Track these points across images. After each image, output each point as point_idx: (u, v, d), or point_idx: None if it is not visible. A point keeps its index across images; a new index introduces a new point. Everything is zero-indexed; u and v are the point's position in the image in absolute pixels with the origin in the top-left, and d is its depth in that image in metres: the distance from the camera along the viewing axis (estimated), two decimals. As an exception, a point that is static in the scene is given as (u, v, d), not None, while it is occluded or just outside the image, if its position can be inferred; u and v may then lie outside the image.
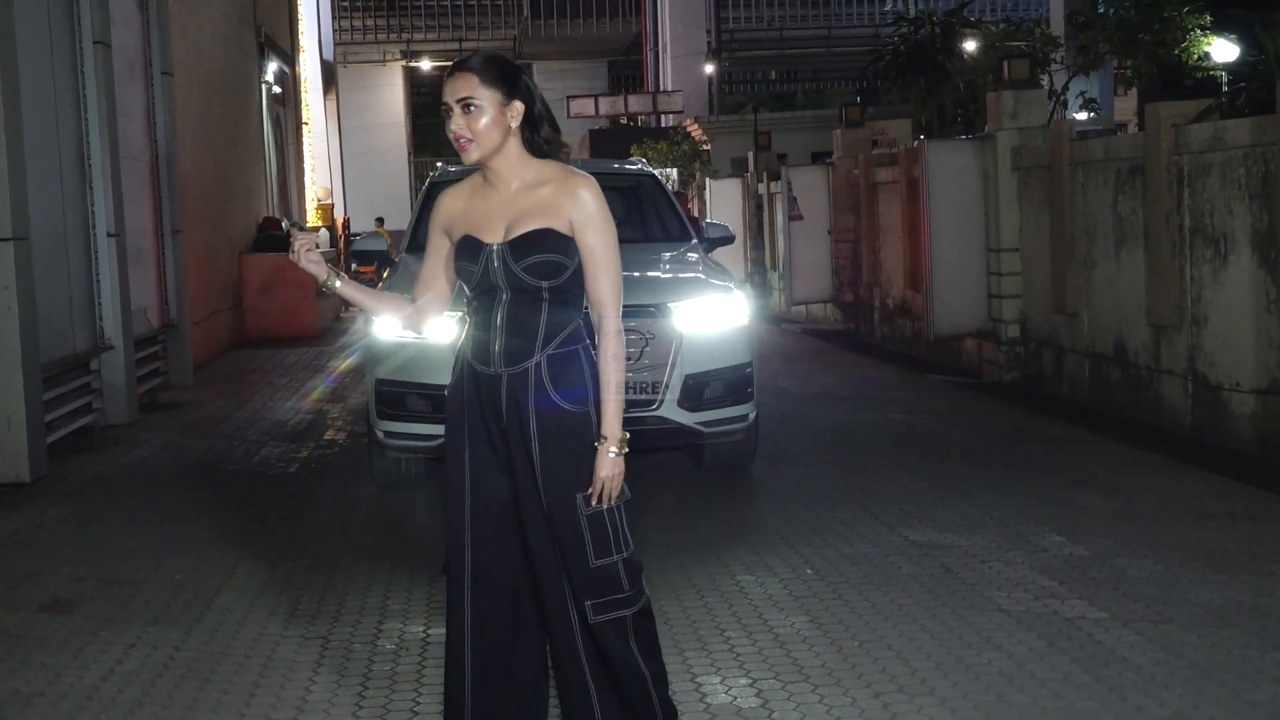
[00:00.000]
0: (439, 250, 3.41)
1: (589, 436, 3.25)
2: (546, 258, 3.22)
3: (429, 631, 4.91)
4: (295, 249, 3.34)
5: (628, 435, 3.27)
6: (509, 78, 3.25)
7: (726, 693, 4.23)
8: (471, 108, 3.21)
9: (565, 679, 3.37)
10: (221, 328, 14.61)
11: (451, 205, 3.38)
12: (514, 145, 3.27)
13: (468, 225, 3.31)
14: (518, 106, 3.25)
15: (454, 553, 3.36)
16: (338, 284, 3.40)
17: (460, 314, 3.48)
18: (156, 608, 5.31)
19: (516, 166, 3.29)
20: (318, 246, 3.42)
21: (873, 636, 4.72)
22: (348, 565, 5.84)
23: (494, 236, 3.26)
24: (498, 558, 3.34)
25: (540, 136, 3.29)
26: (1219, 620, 4.75)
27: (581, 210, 3.23)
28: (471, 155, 3.25)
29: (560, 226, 3.23)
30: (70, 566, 5.93)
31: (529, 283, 3.22)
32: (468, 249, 3.28)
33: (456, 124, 3.23)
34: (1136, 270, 8.84)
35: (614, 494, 3.24)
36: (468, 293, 3.33)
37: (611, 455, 3.23)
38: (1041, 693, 4.14)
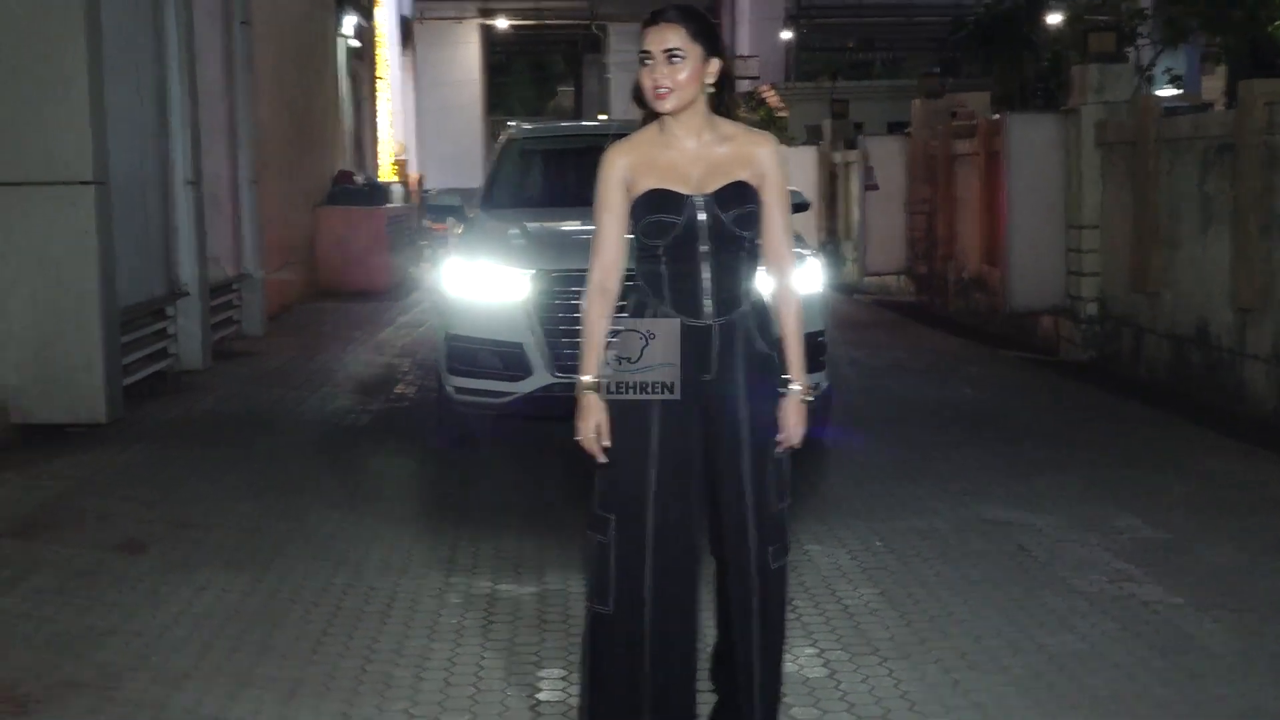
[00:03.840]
0: (619, 211, 3.35)
1: (779, 382, 3.35)
2: (750, 208, 3.30)
3: (495, 587, 4.92)
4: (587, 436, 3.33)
5: (811, 384, 3.41)
6: (712, 35, 3.31)
7: (793, 662, 4.19)
8: (676, 58, 3.24)
9: (735, 628, 3.36)
10: (296, 279, 14.71)
11: (628, 161, 3.34)
12: (702, 101, 3.31)
13: (656, 179, 3.30)
14: (715, 64, 3.31)
15: (628, 512, 3.30)
16: (596, 382, 3.33)
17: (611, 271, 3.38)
18: (227, 552, 5.36)
19: (701, 122, 3.32)
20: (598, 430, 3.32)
21: (942, 611, 4.66)
22: (414, 519, 5.87)
23: (689, 188, 3.28)
24: (680, 519, 3.32)
25: (725, 97, 3.35)
26: (1301, 611, 4.65)
27: (770, 165, 3.33)
28: (668, 105, 3.26)
29: (752, 180, 3.31)
30: (143, 509, 6.00)
31: (734, 233, 3.28)
32: (664, 201, 3.28)
33: (660, 72, 3.25)
34: (1222, 252, 8.63)
35: (798, 442, 3.35)
36: (656, 246, 3.29)
37: (801, 403, 3.34)
38: (1117, 675, 4.07)
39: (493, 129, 37.77)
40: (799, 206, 8.50)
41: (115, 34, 8.18)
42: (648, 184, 3.30)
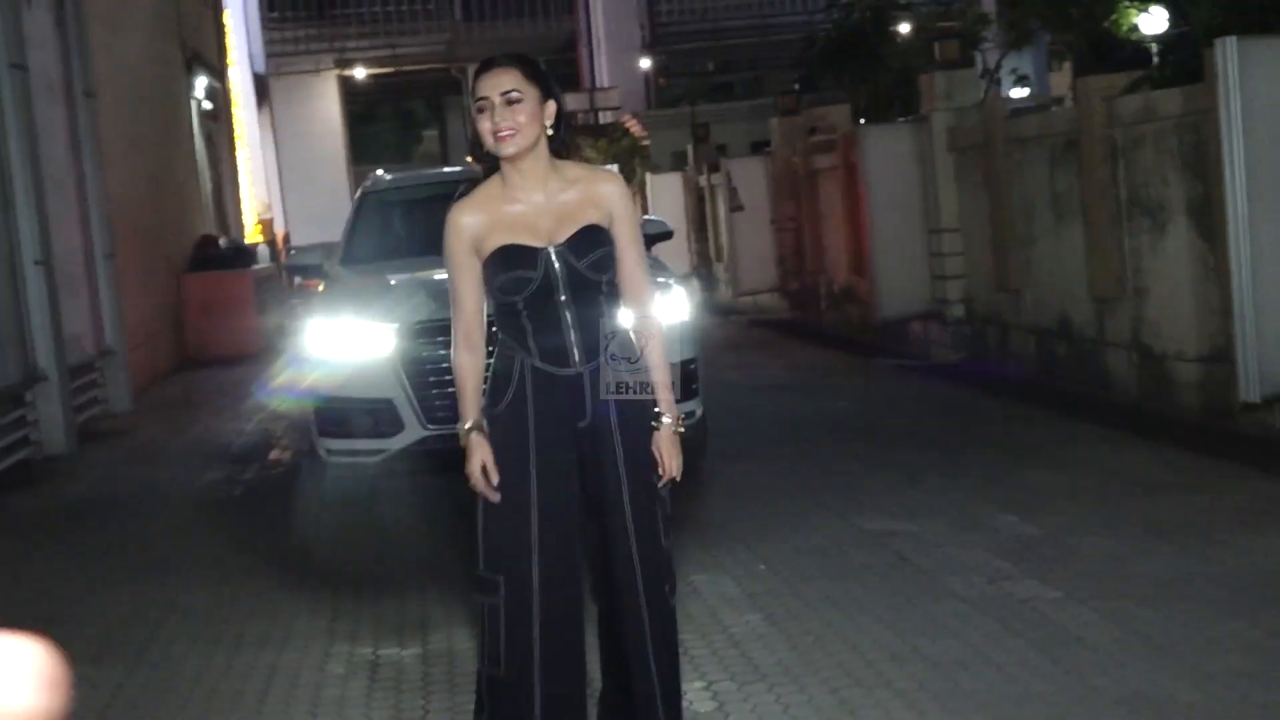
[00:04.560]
0: (472, 271, 3.30)
1: (651, 419, 3.34)
2: (604, 251, 3.28)
3: (378, 653, 4.81)
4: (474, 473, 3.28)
5: (681, 416, 3.41)
6: (545, 78, 3.30)
7: (683, 698, 4.15)
8: (514, 99, 3.21)
9: (631, 672, 3.34)
10: (162, 350, 14.39)
11: (474, 221, 3.29)
12: (543, 146, 3.29)
13: (506, 234, 3.26)
14: (552, 107, 3.28)
15: (514, 571, 3.26)
16: (477, 424, 3.31)
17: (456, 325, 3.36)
18: (97, 645, 5.17)
19: (544, 167, 3.29)
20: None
21: (828, 630, 4.67)
22: (293, 588, 5.72)
23: (541, 239, 3.25)
24: (563, 570, 3.30)
25: (564, 138, 3.34)
26: (1173, 592, 4.73)
27: (619, 205, 3.33)
28: (510, 147, 3.22)
29: (603, 221, 3.30)
30: (8, 609, 5.77)
31: (591, 279, 3.26)
32: (517, 256, 3.24)
33: (499, 115, 3.20)
34: (1076, 244, 8.85)
35: (677, 474, 3.36)
36: (515, 301, 3.25)
37: (674, 434, 3.35)
38: (998, 678, 4.10)
39: (359, 179, 37.39)
40: (663, 235, 8.54)
41: (-55, 117, 7.94)
42: (497, 241, 3.26)
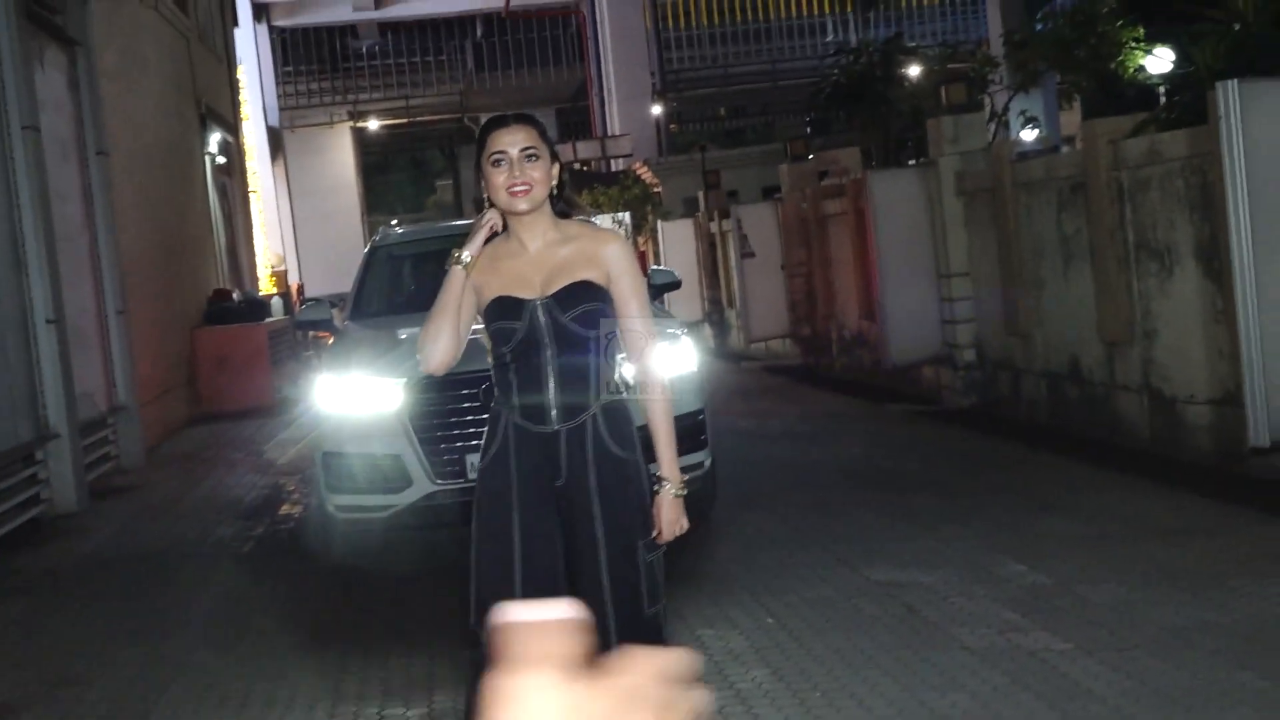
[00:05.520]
0: (469, 311, 3.38)
1: (642, 482, 3.31)
2: (592, 307, 3.29)
3: (383, 714, 4.79)
4: (483, 224, 3.34)
5: (685, 477, 3.38)
6: (550, 141, 3.41)
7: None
8: (532, 156, 3.28)
9: None
10: (176, 405, 14.42)
11: (477, 272, 3.36)
12: (547, 204, 3.36)
13: (499, 286, 3.31)
14: (557, 168, 3.37)
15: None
16: (465, 270, 3.33)
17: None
18: (105, 707, 5.17)
19: (547, 224, 3.35)
20: (494, 231, 3.38)
21: (835, 685, 4.63)
22: (301, 647, 5.71)
23: (532, 292, 3.29)
24: None
25: (565, 199, 3.41)
26: (1184, 642, 4.69)
27: (617, 262, 3.33)
28: (523, 204, 3.28)
29: (598, 279, 3.31)
30: (17, 670, 5.77)
31: (577, 334, 3.27)
32: (506, 307, 3.29)
33: (518, 170, 3.27)
34: (1085, 287, 8.83)
35: (675, 536, 3.33)
36: (504, 353, 3.29)
37: (674, 497, 3.31)
38: (1007, 733, 4.06)
39: (374, 229, 37.57)
40: (671, 285, 8.56)
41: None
42: (492, 292, 3.31)
